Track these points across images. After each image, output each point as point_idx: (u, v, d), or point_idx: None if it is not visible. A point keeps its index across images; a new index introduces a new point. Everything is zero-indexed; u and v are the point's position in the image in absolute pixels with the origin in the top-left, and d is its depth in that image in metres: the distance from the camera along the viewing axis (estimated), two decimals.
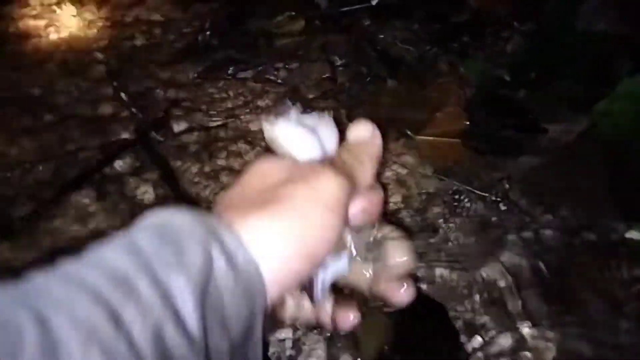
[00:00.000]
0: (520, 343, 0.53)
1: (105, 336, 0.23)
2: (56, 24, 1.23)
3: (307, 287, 0.33)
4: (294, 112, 0.34)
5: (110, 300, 0.24)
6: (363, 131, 0.35)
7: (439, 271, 0.60)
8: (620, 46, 0.98)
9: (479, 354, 0.51)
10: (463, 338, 0.53)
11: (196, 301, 0.26)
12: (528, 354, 0.52)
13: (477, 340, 0.52)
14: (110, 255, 0.25)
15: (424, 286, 0.58)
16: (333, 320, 0.34)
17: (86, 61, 1.10)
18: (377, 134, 0.35)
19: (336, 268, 0.33)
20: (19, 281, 0.24)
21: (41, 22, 1.23)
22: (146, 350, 0.23)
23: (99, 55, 1.13)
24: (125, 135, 0.86)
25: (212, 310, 0.27)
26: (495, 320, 0.55)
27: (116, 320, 0.23)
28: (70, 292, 0.23)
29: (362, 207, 0.33)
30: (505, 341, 0.53)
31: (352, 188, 0.32)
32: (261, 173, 0.33)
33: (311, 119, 0.34)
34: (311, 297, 0.33)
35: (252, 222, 0.29)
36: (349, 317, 0.34)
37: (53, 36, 1.20)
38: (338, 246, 0.32)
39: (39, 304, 0.23)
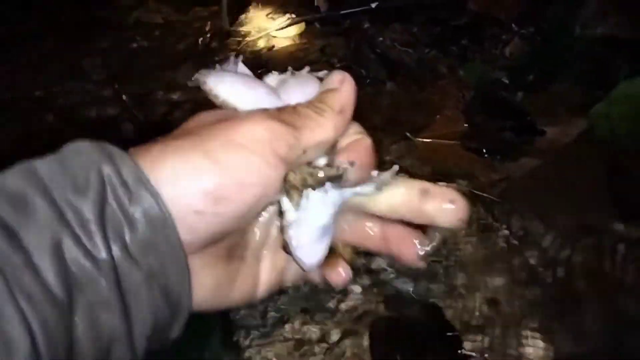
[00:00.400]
0: (519, 343, 0.53)
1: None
2: (57, 27, 1.24)
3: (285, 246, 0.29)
4: (237, 66, 0.32)
5: (5, 218, 0.23)
6: (332, 82, 0.32)
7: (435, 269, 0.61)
8: (618, 50, 0.99)
9: (476, 355, 0.51)
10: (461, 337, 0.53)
11: (96, 226, 0.25)
12: (528, 354, 0.52)
13: (474, 339, 0.53)
14: (10, 180, 0.24)
15: (422, 284, 0.59)
16: (323, 277, 0.31)
17: (87, 64, 1.11)
18: (348, 83, 0.32)
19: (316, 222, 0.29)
20: None
21: (41, 25, 1.24)
22: (46, 269, 0.23)
23: (100, 58, 1.13)
24: (126, 136, 0.87)
25: (113, 237, 0.25)
26: (493, 320, 0.55)
27: (10, 237, 0.23)
28: None
29: (346, 158, 0.29)
30: (503, 341, 0.53)
31: (292, 136, 0.28)
32: (192, 123, 0.30)
33: (273, 77, 0.32)
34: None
35: (155, 154, 0.27)
36: (341, 274, 0.31)
37: (53, 39, 1.20)
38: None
39: None
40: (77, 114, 0.94)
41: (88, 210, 0.25)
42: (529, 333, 0.54)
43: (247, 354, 0.50)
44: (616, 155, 0.76)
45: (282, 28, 1.24)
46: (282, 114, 0.29)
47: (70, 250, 0.24)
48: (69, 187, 0.25)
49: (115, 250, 0.25)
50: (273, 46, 1.20)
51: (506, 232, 0.66)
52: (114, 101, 0.98)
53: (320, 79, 0.33)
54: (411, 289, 0.57)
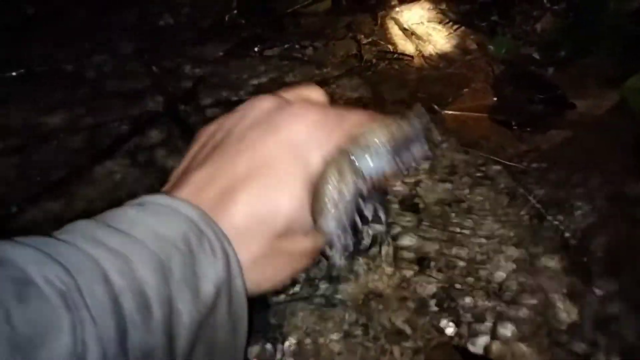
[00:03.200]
0: (547, 307, 0.53)
1: (111, 353, 0.24)
2: (86, 4, 1.26)
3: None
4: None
5: (125, 317, 0.25)
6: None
7: (460, 238, 0.60)
8: None
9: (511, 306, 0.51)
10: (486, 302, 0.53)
11: (192, 334, 0.28)
12: (557, 316, 0.52)
13: (501, 306, 0.53)
14: (143, 274, 0.26)
15: (447, 253, 0.59)
16: None
17: (115, 39, 1.13)
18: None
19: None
20: (60, 253, 0.25)
21: (69, 2, 1.25)
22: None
23: (128, 34, 1.15)
24: (154, 108, 0.88)
25: (202, 340, 0.29)
26: (520, 284, 0.55)
27: (124, 337, 0.25)
28: (99, 299, 0.24)
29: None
30: (534, 307, 0.53)
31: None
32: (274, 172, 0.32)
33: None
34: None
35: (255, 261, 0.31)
36: None
37: (83, 14, 1.22)
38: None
39: (77, 305, 0.23)
40: (108, 86, 0.96)
41: (188, 321, 0.27)
42: (558, 297, 0.53)
43: (273, 311, 0.50)
44: None
45: (308, 4, 1.23)
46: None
47: (161, 355, 0.26)
48: (190, 296, 0.28)
49: (199, 350, 0.28)
50: (300, 23, 1.19)
51: (535, 201, 0.65)
52: (142, 75, 0.99)
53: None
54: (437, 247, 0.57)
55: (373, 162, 0.31)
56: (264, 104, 0.36)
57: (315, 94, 0.38)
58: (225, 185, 0.32)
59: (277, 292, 0.52)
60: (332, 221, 0.31)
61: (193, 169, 0.34)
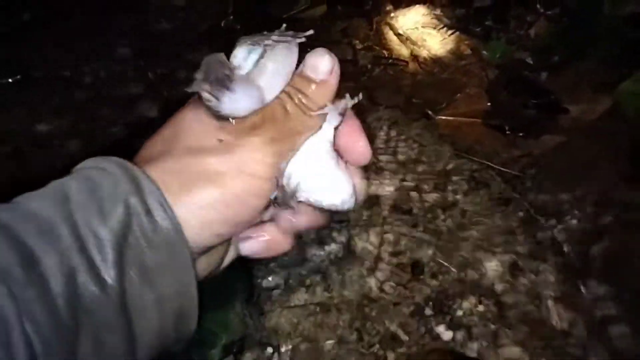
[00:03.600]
0: (541, 311, 0.53)
1: (15, 279, 0.24)
2: (83, 10, 1.26)
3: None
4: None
5: (28, 245, 0.26)
6: (320, 67, 0.34)
7: (454, 243, 0.61)
8: None
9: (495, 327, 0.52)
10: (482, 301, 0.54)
11: (114, 252, 0.28)
12: (551, 319, 0.52)
13: (494, 307, 0.53)
14: (38, 203, 0.27)
15: (441, 259, 0.59)
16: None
17: (112, 45, 1.13)
18: (335, 74, 0.35)
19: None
20: None
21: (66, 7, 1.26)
22: (57, 294, 0.25)
23: (125, 39, 1.15)
24: (151, 113, 0.89)
25: (132, 262, 0.29)
26: (513, 289, 0.55)
27: (30, 264, 0.25)
28: None
29: (343, 144, 0.35)
30: (526, 311, 0.53)
31: (287, 148, 0.33)
32: (188, 127, 0.34)
33: (243, 51, 0.33)
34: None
35: (176, 189, 0.31)
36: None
37: (79, 20, 1.23)
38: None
39: None
40: (104, 91, 0.96)
41: (108, 238, 0.27)
42: (550, 302, 0.54)
43: (269, 317, 0.51)
44: None
45: (304, 10, 1.24)
46: (275, 127, 0.32)
47: (83, 277, 0.26)
48: (95, 215, 0.28)
49: (131, 274, 0.28)
50: (295, 28, 1.20)
51: (528, 206, 0.66)
52: (138, 80, 1.00)
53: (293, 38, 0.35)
54: (431, 252, 0.58)
55: None
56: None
57: None
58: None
59: (269, 294, 0.53)
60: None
61: None
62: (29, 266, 0.25)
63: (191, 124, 0.34)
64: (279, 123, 0.33)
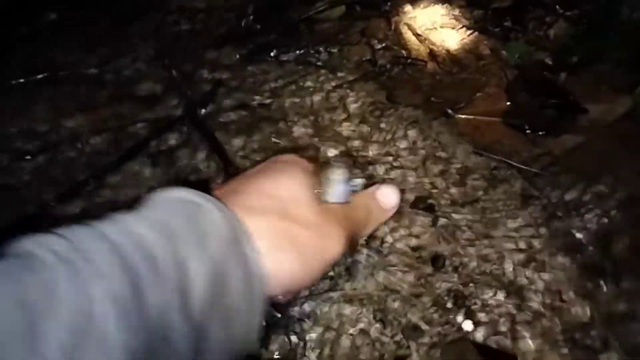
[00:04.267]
0: (561, 305, 0.54)
1: (126, 304, 0.26)
2: (105, 13, 1.29)
3: None
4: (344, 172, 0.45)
5: (136, 273, 0.27)
6: (390, 199, 0.48)
7: (474, 238, 0.62)
8: None
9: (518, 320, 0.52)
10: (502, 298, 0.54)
11: (206, 294, 0.31)
12: (569, 313, 0.53)
13: (514, 301, 0.54)
14: (146, 232, 0.30)
15: (462, 253, 0.60)
16: None
17: (135, 45, 1.15)
18: (397, 205, 0.49)
19: None
20: (64, 231, 0.29)
21: (91, 8, 1.29)
22: (154, 330, 0.27)
23: (146, 40, 1.17)
24: (174, 112, 0.90)
25: (220, 304, 0.31)
26: (533, 283, 0.56)
27: (137, 293, 0.27)
28: (105, 257, 0.27)
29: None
30: (546, 305, 0.54)
31: (356, 240, 0.44)
32: (293, 196, 0.41)
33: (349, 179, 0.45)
34: None
35: (266, 247, 0.36)
36: None
37: (103, 21, 1.25)
38: None
39: (77, 263, 0.26)
40: (128, 89, 0.98)
41: (206, 280, 0.30)
42: (570, 297, 0.54)
43: (293, 306, 0.52)
44: None
45: (322, 10, 1.25)
46: (356, 225, 0.44)
47: (176, 315, 0.28)
48: (197, 257, 0.31)
49: (216, 315, 0.31)
50: (314, 29, 1.21)
51: (548, 203, 0.67)
52: (162, 79, 1.02)
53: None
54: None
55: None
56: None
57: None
58: (235, 183, 0.42)
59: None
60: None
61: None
62: (135, 296, 0.27)
63: (296, 193, 0.41)
64: (360, 224, 0.45)
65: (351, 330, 0.51)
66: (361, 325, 0.51)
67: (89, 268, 0.26)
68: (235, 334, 0.33)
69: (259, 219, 0.37)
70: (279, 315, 0.50)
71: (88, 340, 0.24)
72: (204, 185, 0.72)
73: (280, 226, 0.38)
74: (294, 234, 0.38)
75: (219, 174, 0.74)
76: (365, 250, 0.54)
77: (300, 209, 0.40)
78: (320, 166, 0.46)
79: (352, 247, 0.44)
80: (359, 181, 0.49)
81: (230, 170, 0.73)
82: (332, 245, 0.40)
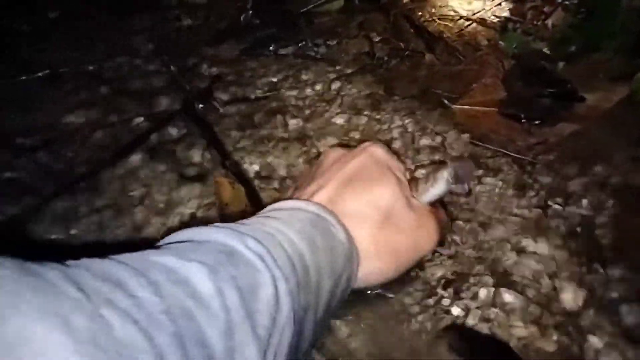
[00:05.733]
0: (553, 292, 0.54)
1: (296, 307, 0.33)
2: (105, 8, 1.30)
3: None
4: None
5: (299, 281, 0.34)
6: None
7: (468, 227, 0.62)
8: None
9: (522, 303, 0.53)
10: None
11: (327, 300, 0.38)
12: (562, 299, 0.53)
13: (510, 289, 0.54)
14: (302, 247, 0.37)
15: (456, 238, 0.60)
16: None
17: (134, 41, 1.16)
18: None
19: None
20: (252, 234, 0.35)
21: (91, 5, 1.30)
22: (298, 323, 0.34)
23: (146, 35, 1.18)
24: (173, 106, 0.91)
25: (328, 308, 0.39)
26: (526, 271, 0.56)
27: (299, 296, 0.34)
28: (285, 263, 0.34)
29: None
30: (538, 291, 0.55)
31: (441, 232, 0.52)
32: (381, 158, 0.50)
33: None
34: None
35: (369, 250, 0.44)
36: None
37: (104, 18, 1.26)
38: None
39: (272, 266, 0.33)
40: (127, 85, 0.99)
41: (327, 290, 0.38)
42: (563, 284, 0.55)
43: None
44: None
45: (321, 4, 1.26)
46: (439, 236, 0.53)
47: (310, 314, 0.36)
48: (329, 270, 0.38)
49: (324, 315, 0.39)
50: (313, 22, 1.22)
51: (542, 191, 0.67)
52: (160, 74, 1.03)
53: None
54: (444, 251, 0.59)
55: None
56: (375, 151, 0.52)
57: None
58: (333, 189, 0.46)
59: None
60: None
61: (310, 181, 0.49)
62: (297, 298, 0.34)
63: (393, 203, 0.47)
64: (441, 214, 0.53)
65: (343, 318, 0.52)
66: (353, 312, 0.52)
67: (279, 272, 0.33)
68: (320, 333, 0.41)
69: (360, 227, 0.44)
70: None
71: (277, 325, 0.31)
72: (201, 178, 0.73)
73: (380, 235, 0.44)
74: (393, 242, 0.45)
75: (216, 168, 0.75)
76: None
77: (397, 217, 0.46)
78: (413, 170, 0.52)
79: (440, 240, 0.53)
80: (468, 165, 0.55)
81: (227, 164, 0.73)
82: (426, 245, 0.48)
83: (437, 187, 0.50)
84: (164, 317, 0.24)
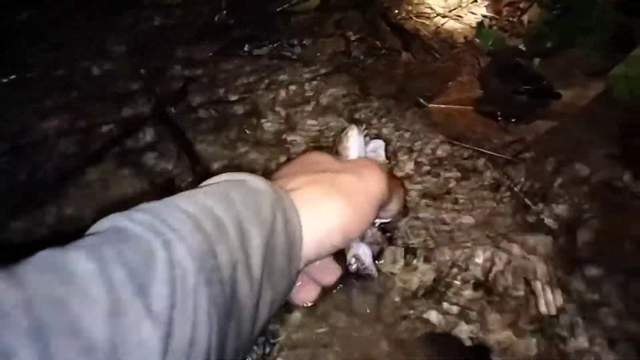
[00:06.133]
0: (532, 294, 0.53)
1: (208, 265, 0.29)
2: (79, 11, 1.26)
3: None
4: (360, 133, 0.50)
5: (209, 237, 0.31)
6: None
7: (445, 230, 0.61)
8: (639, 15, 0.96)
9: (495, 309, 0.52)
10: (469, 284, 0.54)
11: (262, 253, 0.33)
12: (539, 302, 0.52)
13: (483, 289, 0.54)
14: (213, 202, 0.33)
15: (432, 246, 0.59)
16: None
17: (108, 43, 1.13)
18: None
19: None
20: (141, 209, 0.32)
21: (62, 6, 1.26)
22: (227, 283, 0.30)
23: (120, 37, 1.15)
24: (144, 110, 0.89)
25: (268, 264, 0.34)
26: (505, 273, 0.56)
27: (212, 253, 0.30)
28: (184, 224, 0.30)
29: (397, 210, 0.49)
30: (516, 294, 0.54)
31: (388, 196, 0.43)
32: (315, 159, 0.45)
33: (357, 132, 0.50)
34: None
35: (308, 197, 0.39)
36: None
37: (76, 19, 1.23)
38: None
39: (163, 231, 0.29)
40: (99, 89, 0.97)
41: (259, 241, 0.33)
42: (540, 285, 0.54)
43: None
44: (634, 115, 0.75)
45: (298, 2, 1.24)
46: (387, 175, 0.45)
47: (241, 271, 0.32)
48: (253, 220, 0.34)
49: (265, 275, 0.34)
50: (289, 21, 1.20)
51: (519, 191, 0.66)
52: (132, 77, 1.00)
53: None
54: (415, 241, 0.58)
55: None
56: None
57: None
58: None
59: None
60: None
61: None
62: (210, 254, 0.30)
63: (329, 158, 0.45)
64: (392, 179, 0.46)
65: (320, 329, 0.50)
66: (330, 323, 0.51)
67: (173, 234, 0.29)
68: (278, 293, 0.36)
69: (304, 178, 0.41)
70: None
71: (182, 293, 0.27)
72: (171, 185, 0.71)
73: (324, 178, 0.41)
74: (338, 181, 0.41)
75: (187, 174, 0.73)
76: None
77: (337, 165, 0.44)
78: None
79: (401, 204, 0.49)
80: (380, 142, 0.54)
81: (197, 169, 0.71)
82: (375, 184, 0.42)
83: (350, 141, 0.50)
84: (17, 311, 0.22)
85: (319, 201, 0.39)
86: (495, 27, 1.06)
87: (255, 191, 0.36)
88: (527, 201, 0.64)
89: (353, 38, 1.10)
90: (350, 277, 0.48)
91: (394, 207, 0.49)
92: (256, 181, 0.37)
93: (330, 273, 0.45)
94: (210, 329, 0.28)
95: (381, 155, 0.53)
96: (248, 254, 0.32)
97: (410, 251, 0.59)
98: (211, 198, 0.34)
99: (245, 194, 0.35)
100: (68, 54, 1.09)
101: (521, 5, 1.12)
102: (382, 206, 0.44)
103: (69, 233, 0.64)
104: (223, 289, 0.30)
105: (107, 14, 1.25)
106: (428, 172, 0.70)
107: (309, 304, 0.46)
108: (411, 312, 0.52)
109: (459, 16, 1.12)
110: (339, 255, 0.46)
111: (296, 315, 0.52)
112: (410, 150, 0.74)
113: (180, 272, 0.28)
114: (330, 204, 0.39)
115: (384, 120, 0.82)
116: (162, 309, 0.26)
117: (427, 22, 1.12)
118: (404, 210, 0.53)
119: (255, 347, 0.49)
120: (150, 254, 0.28)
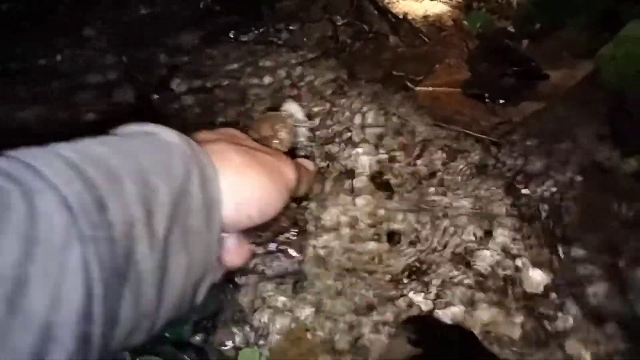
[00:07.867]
0: (518, 274, 0.53)
1: (91, 220, 0.25)
2: (62, 2, 1.24)
3: None
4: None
5: (98, 190, 0.27)
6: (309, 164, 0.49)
7: (432, 212, 0.61)
8: None
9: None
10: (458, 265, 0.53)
11: (169, 211, 0.30)
12: (525, 282, 0.52)
13: (472, 270, 0.53)
14: (104, 150, 0.29)
15: (418, 228, 0.59)
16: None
17: (91, 33, 1.11)
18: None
19: None
20: (8, 154, 0.27)
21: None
22: (118, 242, 0.26)
23: (104, 27, 1.14)
24: (128, 99, 0.88)
25: (179, 223, 0.31)
26: (491, 254, 0.55)
27: (101, 209, 0.26)
28: (59, 171, 0.26)
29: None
30: (502, 274, 0.53)
31: (296, 186, 0.43)
32: (234, 133, 0.43)
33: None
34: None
35: (229, 162, 0.36)
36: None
37: (59, 9, 1.21)
38: None
39: (26, 178, 0.25)
40: (82, 79, 0.95)
41: (167, 197, 0.30)
42: (527, 265, 0.54)
43: (243, 291, 0.50)
44: (622, 96, 0.74)
45: None
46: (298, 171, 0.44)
47: (140, 230, 0.28)
48: (159, 173, 0.30)
49: (175, 234, 0.30)
50: (275, 7, 1.18)
51: (506, 172, 0.66)
52: (116, 66, 0.99)
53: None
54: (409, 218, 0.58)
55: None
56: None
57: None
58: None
59: (245, 272, 0.53)
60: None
61: None
62: (100, 210, 0.26)
63: (239, 134, 0.44)
64: (300, 165, 0.46)
65: (304, 312, 0.50)
66: (314, 305, 0.50)
67: (39, 182, 0.25)
68: (197, 258, 0.32)
69: (224, 144, 0.38)
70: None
71: (43, 249, 0.23)
72: None
73: (243, 148, 0.39)
74: (260, 156, 0.39)
75: None
76: (314, 229, 0.53)
77: (255, 144, 0.43)
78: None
79: (306, 186, 0.47)
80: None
81: None
82: (288, 169, 0.42)
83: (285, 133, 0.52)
84: None
85: (240, 167, 0.37)
86: (484, 10, 1.05)
87: (166, 143, 0.33)
88: (514, 182, 0.64)
89: (340, 22, 1.08)
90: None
91: (299, 193, 0.47)
92: (169, 133, 0.34)
93: (240, 253, 0.41)
94: (86, 289, 0.24)
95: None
96: (151, 211, 0.29)
97: (393, 234, 0.58)
98: (106, 146, 0.30)
99: (153, 145, 0.32)
100: (51, 44, 1.07)
101: None
102: (290, 196, 0.43)
103: None
104: (112, 248, 0.26)
105: (89, 5, 1.23)
106: (415, 154, 0.70)
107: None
108: (395, 293, 0.52)
109: (448, 0, 1.11)
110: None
111: (273, 299, 0.52)
112: (397, 134, 0.73)
113: (44, 226, 0.24)
114: (252, 174, 0.37)
115: (372, 104, 0.81)
116: (9, 268, 0.22)
117: (416, 5, 1.11)
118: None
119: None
120: (4, 206, 0.24)
